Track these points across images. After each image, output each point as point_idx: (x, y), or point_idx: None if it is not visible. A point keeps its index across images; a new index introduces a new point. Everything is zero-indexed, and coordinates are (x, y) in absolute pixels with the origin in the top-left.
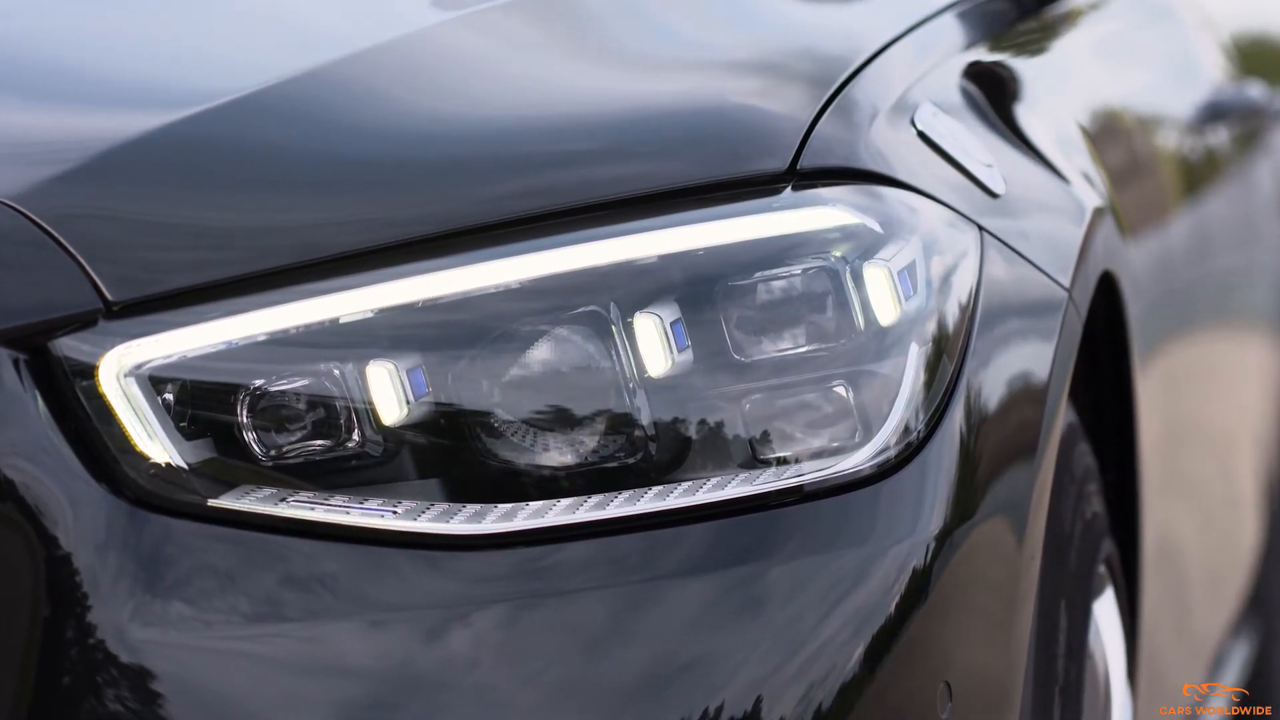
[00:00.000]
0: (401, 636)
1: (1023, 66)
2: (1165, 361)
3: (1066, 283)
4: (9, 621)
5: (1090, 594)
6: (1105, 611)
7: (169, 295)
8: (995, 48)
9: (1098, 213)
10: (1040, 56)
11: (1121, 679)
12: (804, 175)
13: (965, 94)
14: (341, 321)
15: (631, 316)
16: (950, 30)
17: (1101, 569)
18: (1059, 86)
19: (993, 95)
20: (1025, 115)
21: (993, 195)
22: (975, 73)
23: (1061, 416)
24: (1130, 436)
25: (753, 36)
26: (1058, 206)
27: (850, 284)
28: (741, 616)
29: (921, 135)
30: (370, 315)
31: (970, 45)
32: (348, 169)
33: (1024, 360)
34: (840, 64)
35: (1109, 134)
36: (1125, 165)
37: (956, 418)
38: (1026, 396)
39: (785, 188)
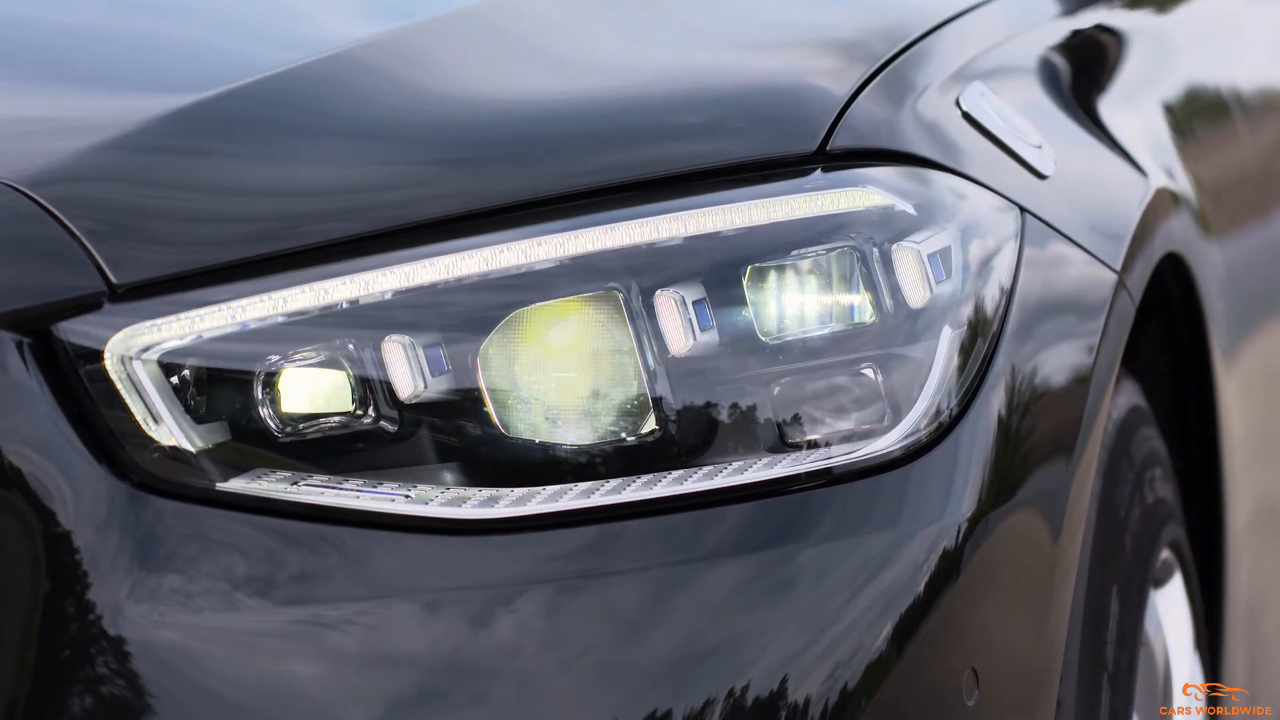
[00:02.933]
0: (412, 619)
1: (1127, 37)
2: (1272, 339)
3: (1117, 266)
4: (11, 598)
5: (1147, 581)
6: (1169, 599)
7: (174, 278)
8: (1110, 10)
9: (1160, 195)
10: (1152, 26)
11: (1187, 667)
12: (836, 156)
13: (1044, 66)
14: (361, 302)
15: (653, 297)
16: None
17: (1167, 555)
18: (1161, 61)
19: (1077, 69)
20: (1105, 93)
21: (1040, 177)
22: (1066, 44)
23: (1108, 401)
24: (1212, 421)
25: (813, 11)
26: (1114, 189)
27: (878, 266)
28: (770, 598)
29: (966, 115)
30: (388, 295)
31: (1072, 12)
32: (360, 151)
33: (1067, 344)
34: (892, 40)
35: (1211, 112)
36: (1228, 146)
37: (991, 402)
38: (1069, 381)
39: (817, 168)
